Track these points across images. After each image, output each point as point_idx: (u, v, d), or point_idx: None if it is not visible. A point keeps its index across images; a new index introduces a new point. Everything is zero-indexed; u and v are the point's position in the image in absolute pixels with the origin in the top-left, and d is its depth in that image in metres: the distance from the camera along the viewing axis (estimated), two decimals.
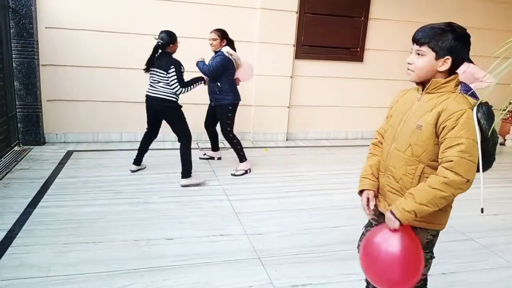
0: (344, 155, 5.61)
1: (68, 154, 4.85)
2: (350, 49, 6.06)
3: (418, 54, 1.70)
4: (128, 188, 3.93)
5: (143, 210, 3.50)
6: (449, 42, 1.64)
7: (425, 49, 1.67)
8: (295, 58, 5.84)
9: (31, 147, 4.99)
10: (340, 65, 6.08)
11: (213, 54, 4.43)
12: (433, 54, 1.66)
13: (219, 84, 4.36)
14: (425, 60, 1.68)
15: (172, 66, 3.89)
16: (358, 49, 6.08)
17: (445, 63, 1.67)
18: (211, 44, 4.38)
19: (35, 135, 5.04)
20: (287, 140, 6.09)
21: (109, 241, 2.96)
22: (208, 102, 4.66)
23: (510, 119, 6.18)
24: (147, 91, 4.07)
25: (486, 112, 1.56)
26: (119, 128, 5.38)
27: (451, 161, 1.58)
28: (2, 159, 4.44)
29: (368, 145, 6.87)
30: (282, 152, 5.60)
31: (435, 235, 1.86)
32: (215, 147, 5.00)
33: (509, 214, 3.89)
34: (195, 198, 3.82)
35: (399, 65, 6.31)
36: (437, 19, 6.27)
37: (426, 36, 1.67)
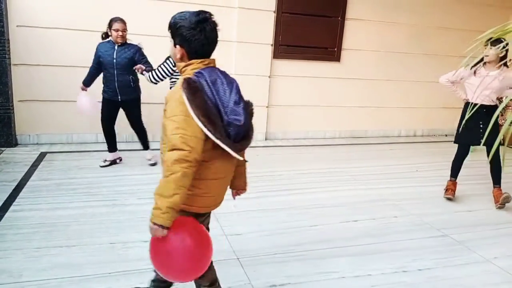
0: (322, 154, 5.65)
1: (42, 155, 4.72)
2: (327, 49, 6.11)
3: None
4: (104, 190, 3.85)
5: (119, 212, 3.43)
6: None
7: None
8: (273, 57, 5.84)
9: (3, 149, 4.83)
10: (318, 65, 6.12)
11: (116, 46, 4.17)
12: None
13: (132, 77, 4.25)
14: None
15: None
16: (335, 49, 6.14)
17: None
18: (121, 37, 4.12)
19: (6, 136, 4.88)
20: (266, 139, 6.10)
21: (83, 245, 2.89)
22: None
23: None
24: None
25: (186, 87, 1.65)
26: (94, 129, 5.25)
27: (170, 142, 1.64)
28: None
29: (346, 144, 6.93)
30: (261, 151, 5.60)
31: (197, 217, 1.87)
32: (115, 147, 4.60)
33: (482, 211, 3.99)
34: None
35: (375, 64, 6.43)
36: (411, 19, 6.42)
37: None
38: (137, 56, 4.18)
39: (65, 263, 2.64)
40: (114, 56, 4.14)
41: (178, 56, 1.80)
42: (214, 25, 1.79)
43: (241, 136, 1.80)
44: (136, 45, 4.22)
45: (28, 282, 2.42)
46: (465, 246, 3.25)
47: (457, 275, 2.84)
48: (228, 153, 1.75)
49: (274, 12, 5.66)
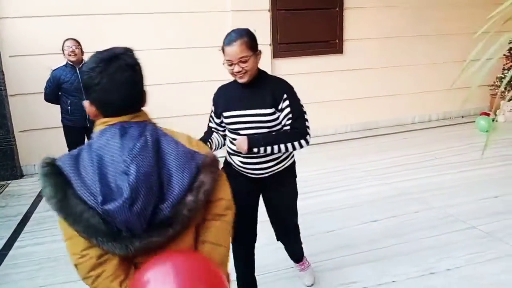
0: (334, 151, 5.44)
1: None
2: (328, 42, 5.89)
3: None
4: None
5: None
6: None
7: None
8: (273, 57, 5.65)
9: (8, 182, 4.76)
10: (321, 59, 5.90)
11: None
12: None
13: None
14: None
15: None
16: (337, 41, 5.91)
17: None
18: (73, 52, 3.93)
19: (11, 169, 4.82)
20: None
21: None
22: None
23: (498, 93, 6.03)
24: None
25: None
26: None
27: None
28: None
29: (358, 138, 6.69)
30: None
31: None
32: None
33: (510, 195, 3.72)
34: None
35: (380, 52, 6.18)
36: (409, 2, 6.11)
37: None
38: None
39: None
40: (80, 79, 3.89)
41: (91, 116, 1.26)
42: (127, 63, 1.19)
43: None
44: None
45: None
46: (495, 237, 3.01)
47: (491, 271, 2.61)
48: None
49: (269, 10, 5.47)
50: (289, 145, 2.02)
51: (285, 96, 2.03)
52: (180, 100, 5.34)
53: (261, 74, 2.11)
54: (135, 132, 1.18)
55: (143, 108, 1.28)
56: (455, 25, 6.43)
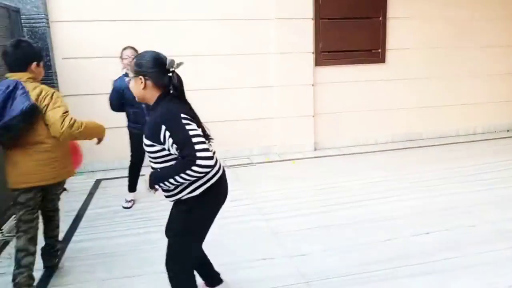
0: (377, 161, 5.37)
1: (97, 183, 4.78)
2: (371, 51, 5.86)
3: None
4: (161, 214, 3.77)
5: None
6: None
7: None
8: (315, 65, 5.67)
9: None
10: (363, 68, 5.88)
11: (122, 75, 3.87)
12: None
13: (143, 105, 3.69)
14: None
15: None
16: (379, 50, 5.88)
17: None
18: (128, 63, 3.67)
19: None
20: (315, 150, 5.89)
21: (146, 274, 2.82)
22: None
23: None
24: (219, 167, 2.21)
25: None
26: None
27: None
28: None
29: (400, 149, 6.62)
30: (312, 163, 5.41)
31: None
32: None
33: None
34: (230, 220, 3.65)
35: (424, 63, 6.11)
36: (456, 12, 6.06)
37: None
38: None
39: None
40: None
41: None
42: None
43: None
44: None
45: None
46: None
47: None
48: None
49: (312, 19, 5.50)
50: (178, 178, 1.86)
51: (163, 127, 1.86)
52: (226, 106, 5.43)
53: (156, 102, 1.99)
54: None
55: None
56: (500, 37, 6.30)
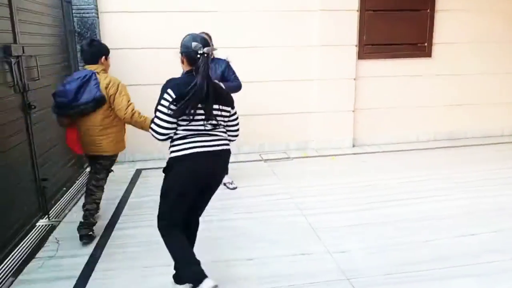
0: (418, 159, 5.22)
1: (137, 172, 4.91)
2: (417, 45, 5.67)
3: None
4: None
5: (217, 228, 3.40)
6: None
7: None
8: (358, 58, 5.54)
9: None
10: (407, 63, 5.70)
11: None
12: None
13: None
14: None
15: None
16: (426, 44, 5.67)
17: None
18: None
19: None
20: (353, 146, 5.79)
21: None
22: None
23: None
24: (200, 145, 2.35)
25: None
26: None
27: None
28: (76, 181, 4.56)
29: (442, 147, 6.41)
30: (350, 159, 5.32)
31: None
32: None
33: None
34: (268, 213, 3.66)
35: (471, 58, 5.85)
36: (507, 7, 5.76)
37: None
38: (226, 71, 4.04)
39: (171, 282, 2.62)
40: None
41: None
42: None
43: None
44: (225, 60, 4.08)
45: None
46: None
47: None
48: None
49: (357, 10, 5.37)
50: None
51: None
52: (265, 99, 5.41)
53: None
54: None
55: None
56: None
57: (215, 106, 2.30)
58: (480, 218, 3.48)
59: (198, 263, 2.38)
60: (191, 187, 2.37)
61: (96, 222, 3.31)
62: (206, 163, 2.34)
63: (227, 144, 2.44)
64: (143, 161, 5.35)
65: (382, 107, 5.80)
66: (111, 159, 3.38)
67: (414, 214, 3.56)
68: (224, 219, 3.56)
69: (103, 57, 3.21)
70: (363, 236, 3.20)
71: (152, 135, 2.33)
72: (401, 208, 3.71)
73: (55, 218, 3.63)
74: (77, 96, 3.00)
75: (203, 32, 3.96)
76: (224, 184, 4.26)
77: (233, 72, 4.08)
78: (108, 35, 5.00)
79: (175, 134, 2.33)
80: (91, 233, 3.20)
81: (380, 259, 2.86)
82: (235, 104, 2.50)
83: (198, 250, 3.01)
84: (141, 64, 5.10)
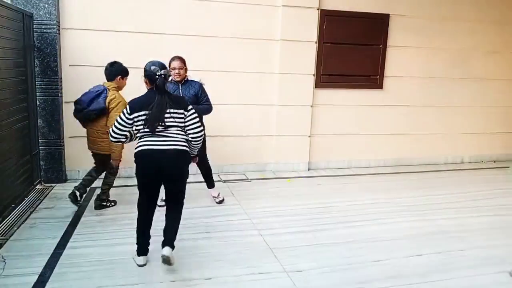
0: (369, 183, 5.48)
1: (91, 190, 4.76)
2: (369, 77, 6.05)
3: None
4: (157, 224, 3.78)
5: (176, 248, 3.35)
6: None
7: None
8: (315, 87, 5.81)
9: (53, 184, 4.92)
10: (360, 93, 6.05)
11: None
12: None
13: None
14: None
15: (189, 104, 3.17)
16: (378, 77, 6.06)
17: None
18: (178, 74, 4.00)
19: (57, 172, 4.98)
20: (309, 169, 5.99)
21: (144, 283, 2.84)
22: None
23: None
24: (147, 144, 2.97)
25: None
26: None
27: None
28: (26, 198, 4.36)
29: (391, 173, 6.78)
30: (306, 182, 5.49)
31: None
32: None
33: None
34: (227, 233, 3.69)
35: (419, 91, 6.32)
36: (453, 44, 6.34)
37: None
38: (199, 93, 4.11)
39: None
40: (181, 95, 4.00)
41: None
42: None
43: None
44: (198, 82, 4.17)
45: None
46: None
47: None
48: None
49: (316, 42, 5.68)
50: None
51: None
52: (224, 121, 5.50)
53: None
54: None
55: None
56: (494, 70, 6.57)
57: (167, 110, 2.91)
58: (425, 240, 3.71)
59: (142, 241, 3.08)
60: (145, 177, 3.02)
61: (84, 193, 4.21)
62: (151, 159, 2.94)
63: (176, 144, 2.96)
64: (98, 179, 5.19)
65: (336, 133, 6.07)
66: (107, 156, 4.06)
67: (365, 235, 3.74)
68: (183, 239, 3.54)
69: (119, 76, 3.99)
70: (318, 256, 3.31)
71: (110, 137, 3.05)
72: (353, 229, 3.88)
73: (2, 236, 3.45)
74: (89, 105, 3.83)
75: (176, 56, 4.11)
76: (213, 197, 4.51)
77: (206, 95, 4.17)
78: (68, 52, 4.92)
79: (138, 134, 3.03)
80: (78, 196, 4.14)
81: (333, 278, 2.98)
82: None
83: (157, 270, 3.00)
84: (96, 82, 4.96)
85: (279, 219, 4.08)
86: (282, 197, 4.78)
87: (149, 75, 2.96)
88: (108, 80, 3.99)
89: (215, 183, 4.59)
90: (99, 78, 5.00)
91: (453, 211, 4.46)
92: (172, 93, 3.64)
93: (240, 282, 2.87)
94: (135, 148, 2.97)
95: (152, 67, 2.93)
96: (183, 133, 3.02)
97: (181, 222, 3.84)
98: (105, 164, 4.13)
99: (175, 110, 2.95)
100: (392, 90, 6.18)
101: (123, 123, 2.94)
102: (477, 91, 6.59)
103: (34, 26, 4.61)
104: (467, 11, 6.28)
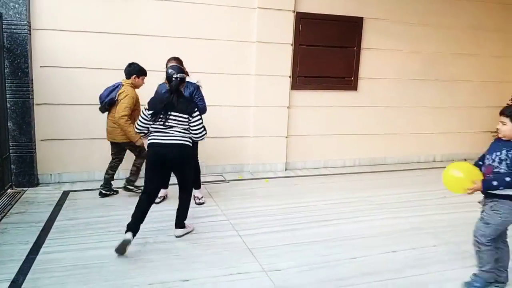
0: (344, 183, 5.58)
1: (65, 194, 4.66)
2: (344, 78, 6.15)
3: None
4: (144, 226, 3.73)
5: (152, 250, 3.34)
6: None
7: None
8: (292, 88, 5.87)
9: (25, 189, 4.78)
10: (335, 94, 6.15)
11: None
12: None
13: None
14: None
15: (196, 109, 3.47)
16: (352, 78, 6.18)
17: None
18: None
19: (28, 176, 4.84)
20: (286, 170, 6.03)
21: (121, 287, 2.79)
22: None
23: None
24: (156, 138, 3.43)
25: None
26: None
27: None
28: None
29: (365, 172, 6.90)
30: (283, 182, 5.53)
31: None
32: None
33: None
34: (205, 235, 3.68)
35: (392, 92, 6.47)
36: (425, 48, 6.52)
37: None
38: (194, 93, 4.16)
39: None
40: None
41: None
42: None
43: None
44: (195, 83, 4.21)
45: None
46: None
47: None
48: None
49: (291, 44, 5.73)
50: None
51: None
52: (209, 122, 5.44)
53: None
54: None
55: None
56: (464, 73, 6.81)
57: (173, 113, 3.37)
58: (399, 237, 3.80)
59: (133, 222, 3.32)
60: (153, 165, 3.45)
61: (134, 181, 4.63)
62: (159, 150, 3.40)
63: (178, 140, 3.40)
64: (71, 182, 5.09)
65: (312, 134, 6.15)
66: (125, 144, 4.48)
67: (341, 234, 3.80)
68: (159, 241, 3.51)
69: (135, 75, 4.39)
70: (296, 255, 3.34)
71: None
72: (330, 228, 3.94)
73: None
74: (106, 97, 4.34)
75: (173, 57, 4.20)
76: (195, 197, 4.51)
77: (200, 96, 4.21)
78: (39, 52, 4.80)
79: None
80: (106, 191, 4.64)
81: (312, 276, 3.01)
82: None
83: (134, 272, 2.96)
84: (68, 83, 4.93)
85: (257, 219, 4.10)
86: (260, 197, 4.80)
87: (168, 78, 3.45)
88: (126, 78, 4.41)
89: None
90: (71, 80, 4.95)
91: (425, 208, 4.58)
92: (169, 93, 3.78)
93: (219, 283, 2.86)
94: (148, 141, 3.50)
95: (170, 71, 3.45)
96: (186, 132, 3.45)
97: (158, 224, 3.82)
98: (122, 151, 4.59)
99: (180, 114, 3.39)
100: (366, 91, 6.31)
101: (143, 117, 3.46)
102: (448, 93, 6.82)
103: (4, 26, 4.48)
104: (440, 15, 6.49)
